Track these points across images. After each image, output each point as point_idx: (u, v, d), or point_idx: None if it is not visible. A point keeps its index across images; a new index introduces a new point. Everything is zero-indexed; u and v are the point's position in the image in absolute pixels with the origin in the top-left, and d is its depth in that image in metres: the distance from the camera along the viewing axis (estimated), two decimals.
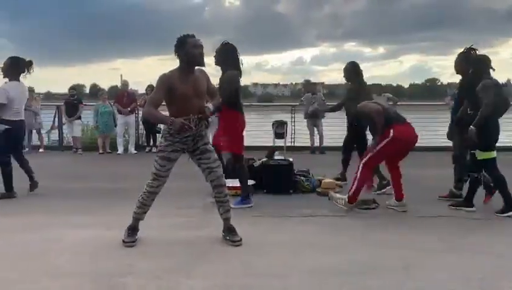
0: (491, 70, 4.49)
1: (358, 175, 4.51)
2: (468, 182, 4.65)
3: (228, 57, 4.61)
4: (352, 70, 5.82)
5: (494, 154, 4.40)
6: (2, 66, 5.27)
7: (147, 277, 2.89)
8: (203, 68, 3.54)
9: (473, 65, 4.55)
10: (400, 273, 2.99)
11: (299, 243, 3.59)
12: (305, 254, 3.36)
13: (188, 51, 3.35)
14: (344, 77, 5.91)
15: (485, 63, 4.52)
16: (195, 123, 3.39)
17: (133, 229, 3.58)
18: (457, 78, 5.06)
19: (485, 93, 4.26)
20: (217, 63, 4.66)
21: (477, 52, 4.69)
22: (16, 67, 5.27)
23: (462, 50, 4.83)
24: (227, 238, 3.56)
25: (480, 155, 4.36)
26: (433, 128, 10.29)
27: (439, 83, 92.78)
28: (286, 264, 3.14)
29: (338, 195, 4.81)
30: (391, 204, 4.69)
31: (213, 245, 3.52)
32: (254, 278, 2.89)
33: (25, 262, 3.17)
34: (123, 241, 3.50)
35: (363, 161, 4.55)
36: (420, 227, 4.08)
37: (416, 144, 4.73)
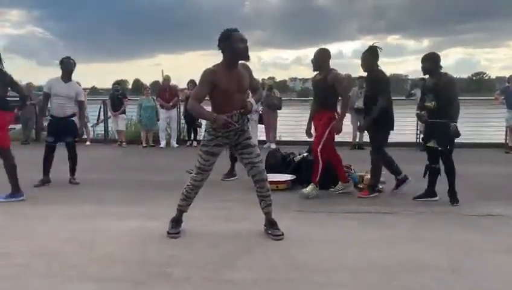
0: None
1: (320, 161, 4.91)
2: (428, 173, 4.78)
3: None
4: None
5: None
6: None
7: (191, 268, 2.95)
8: (246, 62, 3.53)
9: (427, 62, 4.62)
10: (446, 272, 2.90)
11: (341, 239, 3.55)
12: (348, 249, 3.31)
13: (234, 45, 3.32)
14: None
15: (438, 60, 4.63)
16: (238, 118, 3.41)
17: (177, 221, 3.66)
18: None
19: (452, 88, 4.54)
20: None
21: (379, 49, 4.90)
22: None
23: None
24: (269, 232, 3.57)
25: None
26: (480, 125, 9.91)
27: (486, 77, 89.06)
28: (329, 259, 3.12)
29: (307, 190, 4.97)
30: (338, 189, 5.15)
31: (255, 238, 3.54)
32: (297, 273, 2.88)
33: (76, 250, 3.31)
34: (167, 232, 3.58)
35: (316, 147, 4.93)
36: (469, 226, 3.94)
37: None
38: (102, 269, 2.94)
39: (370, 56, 4.90)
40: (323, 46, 5.14)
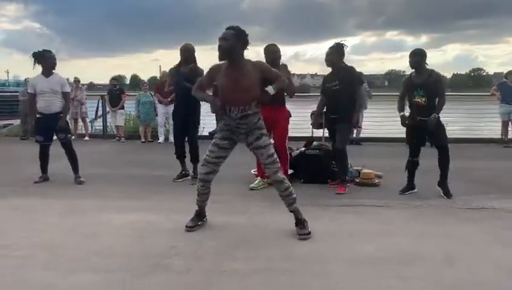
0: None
1: (288, 155, 5.23)
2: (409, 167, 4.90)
3: None
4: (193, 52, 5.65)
5: None
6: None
7: (191, 259, 3.01)
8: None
9: (417, 56, 4.66)
10: (442, 264, 2.96)
11: (338, 232, 3.60)
12: (345, 242, 3.38)
13: None
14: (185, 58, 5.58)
15: (426, 55, 4.70)
16: (238, 115, 3.42)
17: (197, 215, 3.71)
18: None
19: (442, 85, 4.79)
20: None
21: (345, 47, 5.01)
22: None
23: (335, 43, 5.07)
24: (296, 231, 3.52)
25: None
26: (477, 120, 9.97)
27: (484, 73, 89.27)
28: (325, 251, 3.18)
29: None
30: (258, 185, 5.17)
31: (254, 230, 3.61)
32: (294, 263, 2.94)
33: (77, 242, 3.37)
34: (186, 226, 3.61)
35: (284, 143, 5.19)
36: (464, 219, 4.00)
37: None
38: (103, 261, 3.00)
39: (335, 52, 5.01)
40: (272, 43, 5.20)
